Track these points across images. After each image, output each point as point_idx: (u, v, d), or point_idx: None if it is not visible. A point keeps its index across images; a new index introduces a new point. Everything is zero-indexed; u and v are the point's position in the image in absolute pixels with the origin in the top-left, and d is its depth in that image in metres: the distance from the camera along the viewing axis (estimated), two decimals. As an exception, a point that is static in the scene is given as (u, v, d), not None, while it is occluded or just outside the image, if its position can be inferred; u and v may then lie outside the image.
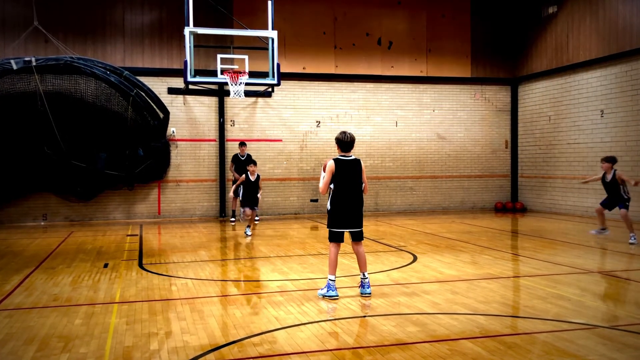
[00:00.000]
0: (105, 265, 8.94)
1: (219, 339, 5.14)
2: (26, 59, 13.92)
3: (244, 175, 12.43)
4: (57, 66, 14.03)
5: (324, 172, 6.78)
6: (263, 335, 5.25)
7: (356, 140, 6.96)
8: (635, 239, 10.73)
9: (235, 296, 6.92)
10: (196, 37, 13.55)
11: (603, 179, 11.17)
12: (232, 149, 16.56)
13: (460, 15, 18.23)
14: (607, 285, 7.20)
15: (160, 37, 16.15)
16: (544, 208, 17.51)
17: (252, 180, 12.33)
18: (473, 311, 6.00)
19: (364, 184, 6.83)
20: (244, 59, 14.08)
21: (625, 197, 10.90)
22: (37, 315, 6.02)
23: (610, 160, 11.02)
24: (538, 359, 4.59)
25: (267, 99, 16.91)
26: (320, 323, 5.63)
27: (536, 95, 17.90)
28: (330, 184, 6.68)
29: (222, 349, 4.88)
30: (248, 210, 12.30)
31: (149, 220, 15.88)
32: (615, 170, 11.00)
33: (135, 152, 15.11)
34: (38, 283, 7.66)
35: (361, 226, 6.76)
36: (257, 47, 14.67)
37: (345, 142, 6.68)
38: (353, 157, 6.76)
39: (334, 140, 6.80)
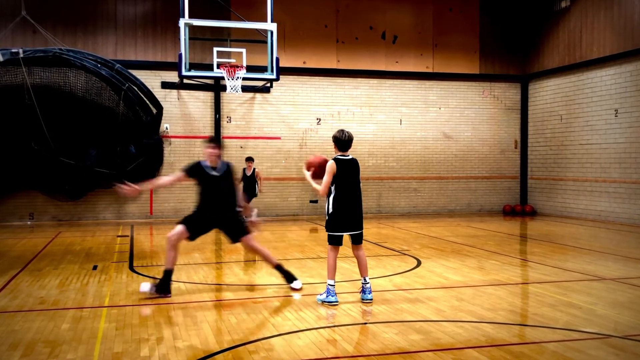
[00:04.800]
0: (94, 268, 8.94)
1: (213, 346, 5.15)
2: (13, 50, 13.92)
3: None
4: (46, 58, 14.02)
5: (308, 170, 6.80)
6: (259, 342, 5.25)
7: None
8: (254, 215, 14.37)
9: (230, 301, 6.92)
10: (191, 29, 13.56)
11: (244, 174, 14.82)
12: (229, 146, 16.56)
13: (468, 8, 18.24)
14: (620, 293, 7.20)
15: (154, 29, 16.16)
16: (554, 211, 17.51)
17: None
18: (479, 319, 6.00)
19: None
20: (241, 53, 14.08)
21: (256, 192, 15.00)
22: (22, 319, 6.02)
23: (251, 159, 14.92)
24: (547, 369, 4.59)
25: (266, 95, 16.92)
26: (319, 330, 5.63)
27: (547, 93, 17.91)
28: (331, 185, 6.68)
29: (216, 356, 4.88)
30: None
31: (141, 221, 15.88)
32: (254, 168, 14.95)
33: (127, 149, 15.10)
34: (23, 285, 7.66)
35: (362, 228, 6.76)
36: (256, 40, 14.68)
37: (343, 141, 6.69)
38: (351, 157, 6.76)
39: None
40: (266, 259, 7.48)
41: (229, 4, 16.04)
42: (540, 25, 18.01)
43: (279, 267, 7.45)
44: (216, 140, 7.73)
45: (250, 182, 14.88)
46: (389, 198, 17.86)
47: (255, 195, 15.04)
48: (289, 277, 7.41)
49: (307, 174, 6.88)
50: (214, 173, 7.29)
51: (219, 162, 7.38)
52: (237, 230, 7.31)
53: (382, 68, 17.67)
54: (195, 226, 7.17)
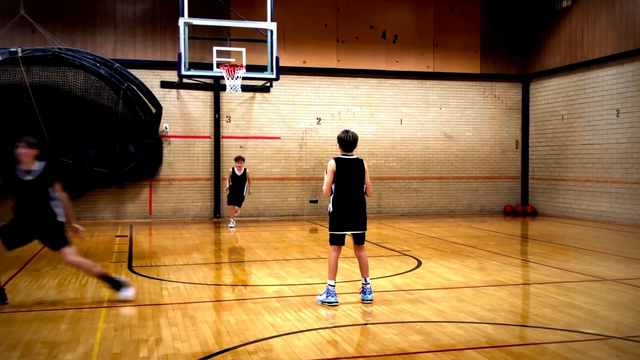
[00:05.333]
0: (93, 268, 8.94)
1: (212, 347, 5.15)
2: (12, 49, 13.92)
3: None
4: (45, 57, 14.03)
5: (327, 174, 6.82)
6: (258, 343, 5.25)
7: (359, 138, 6.99)
8: (233, 223, 14.30)
9: (230, 301, 6.93)
10: (191, 28, 13.55)
11: (234, 174, 14.16)
12: (228, 146, 16.58)
13: (469, 7, 18.23)
14: (621, 294, 7.20)
15: (153, 28, 16.15)
16: (555, 212, 17.51)
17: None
18: (480, 320, 6.00)
19: (366, 186, 6.86)
20: (241, 52, 14.09)
21: (244, 194, 14.28)
22: (20, 320, 6.02)
23: (241, 159, 14.19)
24: (548, 370, 4.60)
25: (265, 94, 16.92)
26: (318, 331, 5.63)
27: (549, 93, 17.91)
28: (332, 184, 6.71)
29: (215, 357, 4.88)
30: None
31: (140, 221, 15.88)
32: (245, 168, 14.25)
33: (126, 148, 15.11)
34: (22, 286, 7.67)
35: (364, 228, 6.78)
36: (256, 39, 14.67)
37: (347, 141, 6.72)
38: (355, 157, 6.79)
39: (335, 139, 6.86)
40: (89, 271, 6.79)
41: (228, 3, 16.03)
42: (542, 24, 18.01)
43: (104, 277, 6.76)
44: (28, 138, 6.53)
45: (240, 182, 14.15)
46: (389, 198, 17.86)
47: (243, 197, 14.29)
48: (117, 285, 6.72)
49: (326, 177, 6.83)
50: (27, 177, 6.46)
51: (34, 164, 6.49)
52: (55, 241, 6.60)
53: (383, 67, 17.67)
54: (10, 237, 6.56)
